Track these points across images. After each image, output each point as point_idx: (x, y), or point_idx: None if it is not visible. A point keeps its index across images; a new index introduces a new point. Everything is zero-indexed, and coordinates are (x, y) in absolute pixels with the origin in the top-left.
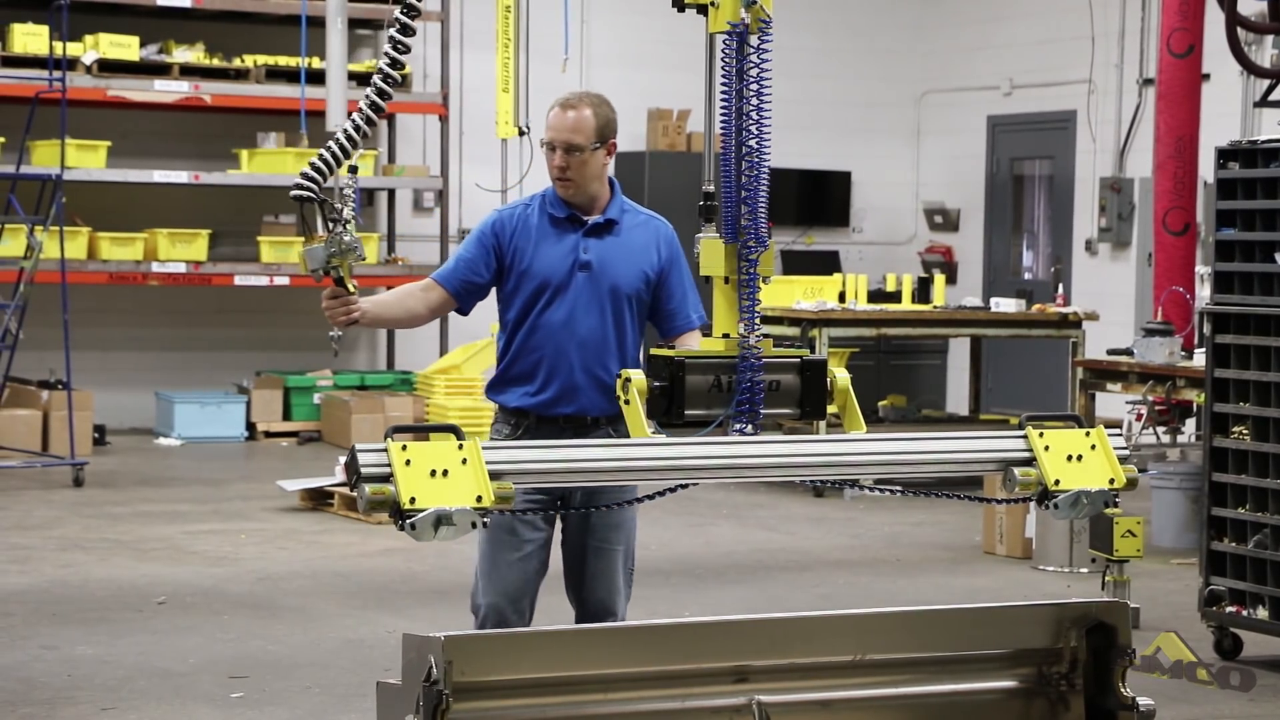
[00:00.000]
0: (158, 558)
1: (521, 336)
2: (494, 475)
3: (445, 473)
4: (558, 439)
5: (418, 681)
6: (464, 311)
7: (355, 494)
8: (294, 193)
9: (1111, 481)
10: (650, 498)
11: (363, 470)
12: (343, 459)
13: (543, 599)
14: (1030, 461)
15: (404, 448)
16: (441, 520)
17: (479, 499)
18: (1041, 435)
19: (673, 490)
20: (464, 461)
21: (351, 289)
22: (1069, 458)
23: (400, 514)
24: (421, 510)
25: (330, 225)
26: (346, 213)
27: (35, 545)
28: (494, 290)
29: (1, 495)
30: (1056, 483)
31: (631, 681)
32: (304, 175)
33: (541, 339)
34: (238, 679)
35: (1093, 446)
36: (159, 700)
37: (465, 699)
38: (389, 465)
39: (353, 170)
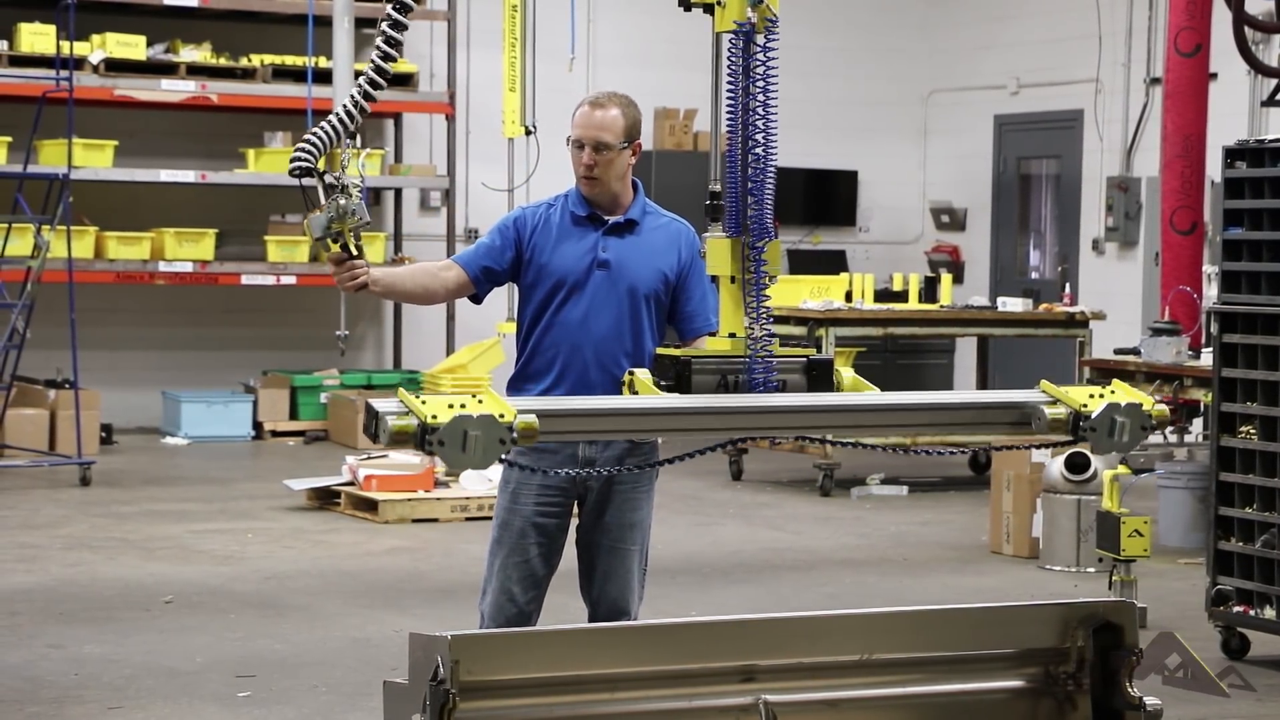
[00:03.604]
0: (165, 557)
1: (539, 333)
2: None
3: (463, 405)
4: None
5: (424, 681)
6: (478, 299)
7: (376, 435)
8: (291, 166)
9: (1142, 405)
10: (689, 456)
11: (381, 410)
12: (349, 458)
13: (549, 598)
14: (1054, 402)
15: (417, 395)
16: (468, 430)
17: (501, 415)
18: (1059, 386)
19: (711, 449)
20: (480, 401)
21: (355, 253)
22: (1091, 395)
23: (425, 433)
24: (445, 423)
25: (329, 193)
26: (347, 180)
27: (42, 544)
28: (515, 286)
29: (8, 494)
30: (1084, 405)
31: (638, 681)
32: (300, 150)
33: (558, 336)
34: (244, 678)
35: (1113, 391)
36: (166, 699)
37: (472, 698)
38: (406, 407)
39: (361, 180)
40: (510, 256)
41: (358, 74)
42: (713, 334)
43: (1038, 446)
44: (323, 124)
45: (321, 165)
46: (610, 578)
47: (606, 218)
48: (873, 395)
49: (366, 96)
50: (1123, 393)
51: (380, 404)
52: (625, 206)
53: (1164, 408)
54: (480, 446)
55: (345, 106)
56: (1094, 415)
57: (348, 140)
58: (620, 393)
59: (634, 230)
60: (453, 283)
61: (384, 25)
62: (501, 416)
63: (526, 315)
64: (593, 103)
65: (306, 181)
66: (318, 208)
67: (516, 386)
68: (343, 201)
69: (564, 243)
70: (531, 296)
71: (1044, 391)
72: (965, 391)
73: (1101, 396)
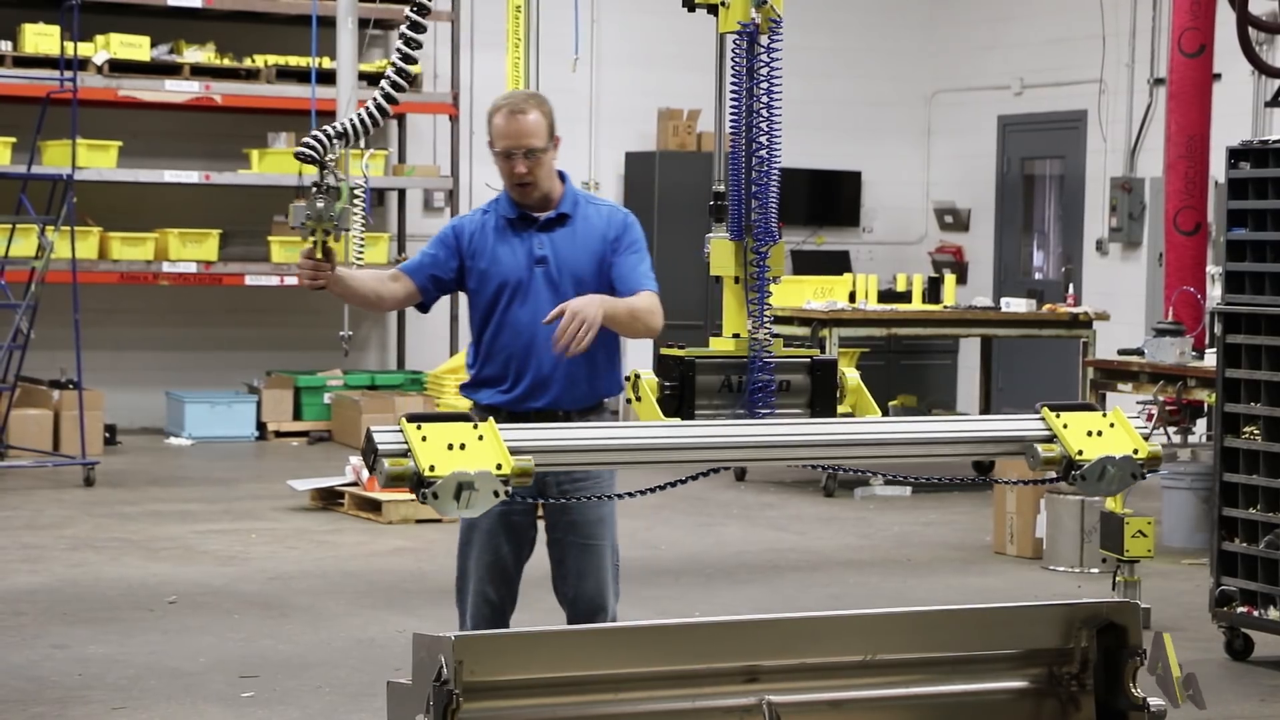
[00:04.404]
0: (168, 557)
1: (489, 337)
2: (513, 452)
3: (463, 446)
4: None
5: (428, 681)
6: (425, 308)
7: (374, 472)
8: (297, 150)
9: (1136, 451)
10: (681, 482)
11: (380, 447)
12: (353, 458)
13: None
14: (1050, 439)
15: (419, 427)
16: (463, 487)
17: (499, 466)
18: (1059, 416)
19: (705, 474)
20: (480, 438)
21: (320, 255)
22: (1089, 433)
23: (421, 483)
24: (442, 477)
25: (318, 191)
26: (343, 188)
27: (46, 545)
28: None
29: (13, 495)
30: (1080, 453)
31: (641, 681)
32: (312, 137)
33: (508, 338)
34: (248, 678)
35: (1111, 425)
36: (170, 699)
37: (475, 698)
38: (406, 443)
39: (365, 183)
40: (455, 265)
41: (361, 74)
42: (644, 290)
43: (1028, 483)
44: (340, 121)
45: (342, 164)
46: (585, 575)
47: (538, 215)
48: (869, 426)
49: (389, 99)
50: (1121, 432)
51: (381, 437)
52: (556, 201)
53: (1158, 447)
54: (474, 499)
55: (368, 109)
56: (1086, 466)
57: (341, 146)
58: (578, 388)
59: (567, 223)
60: (401, 292)
61: (403, 28)
62: (499, 468)
63: (475, 321)
64: (511, 110)
65: (306, 172)
66: (304, 198)
67: (473, 389)
68: (320, 205)
69: (501, 246)
70: (477, 302)
71: (1044, 420)
72: (964, 421)
73: (1100, 434)
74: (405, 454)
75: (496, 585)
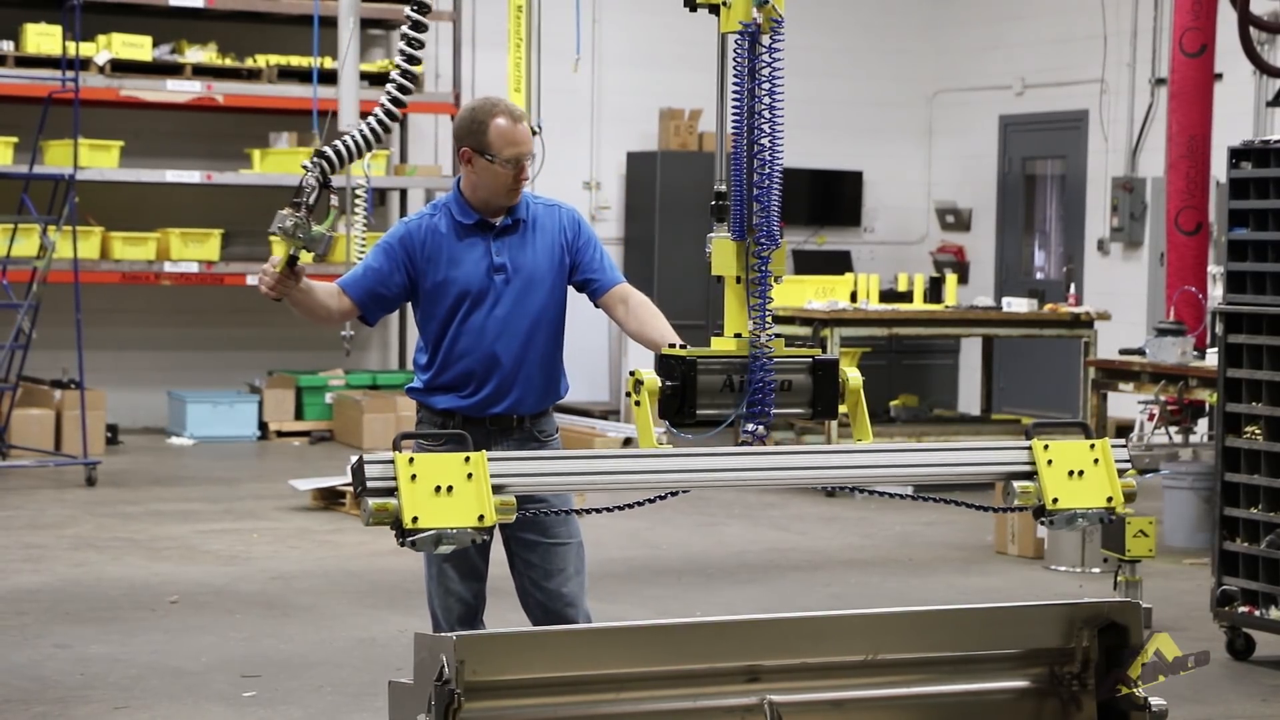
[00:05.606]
0: (170, 557)
1: (448, 345)
2: (497, 489)
3: (450, 489)
4: (483, 440)
5: (430, 681)
6: (369, 322)
7: (359, 505)
8: (304, 162)
9: (1109, 500)
10: (651, 501)
11: (368, 484)
12: (355, 459)
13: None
14: (1031, 475)
15: (410, 460)
16: (443, 539)
17: (481, 518)
18: (1046, 448)
19: (673, 494)
20: (469, 476)
21: (289, 269)
22: (1070, 474)
23: (403, 531)
24: (424, 530)
25: (301, 207)
26: (333, 212)
27: (48, 544)
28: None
29: (15, 494)
30: (1055, 500)
31: (643, 681)
32: (320, 154)
33: (468, 345)
34: (250, 678)
35: (1095, 460)
36: (171, 699)
37: (477, 698)
38: (394, 479)
39: (368, 183)
40: (399, 280)
41: (363, 74)
42: (621, 283)
43: (1007, 509)
44: (349, 136)
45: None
46: (560, 574)
47: (494, 221)
48: (861, 455)
49: (397, 104)
50: (1102, 473)
51: (371, 470)
52: (511, 206)
53: (1133, 484)
54: (452, 547)
55: (376, 116)
56: (1056, 515)
57: (353, 159)
58: (537, 392)
59: (520, 228)
60: (345, 308)
61: (404, 29)
62: (481, 519)
63: (431, 329)
64: (514, 116)
65: (308, 181)
66: (294, 208)
67: (428, 394)
68: (292, 222)
69: (458, 253)
70: (434, 311)
71: (1031, 452)
72: (955, 448)
73: (1081, 475)
74: (392, 492)
75: (468, 583)
